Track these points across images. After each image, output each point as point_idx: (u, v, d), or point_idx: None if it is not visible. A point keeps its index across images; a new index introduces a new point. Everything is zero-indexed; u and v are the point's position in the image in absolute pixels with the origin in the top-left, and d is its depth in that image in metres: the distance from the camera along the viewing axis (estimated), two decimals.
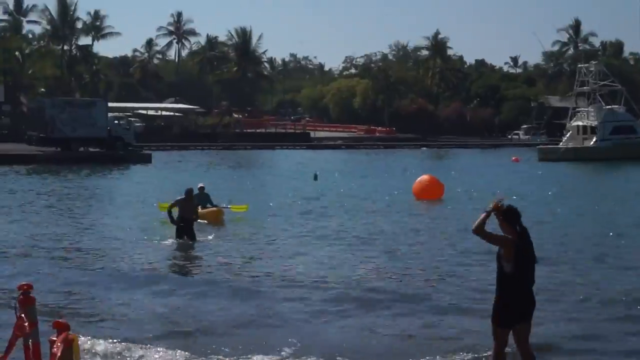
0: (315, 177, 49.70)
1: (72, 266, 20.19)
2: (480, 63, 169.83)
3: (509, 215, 9.94)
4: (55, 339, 6.36)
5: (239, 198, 34.71)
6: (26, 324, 6.90)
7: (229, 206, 30.17)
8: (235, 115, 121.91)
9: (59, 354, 6.10)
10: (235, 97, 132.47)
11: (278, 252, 22.77)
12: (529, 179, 52.16)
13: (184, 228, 23.89)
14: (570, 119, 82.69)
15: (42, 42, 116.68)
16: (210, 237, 24.91)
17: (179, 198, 24.25)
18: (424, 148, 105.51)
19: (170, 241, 23.95)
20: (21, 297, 7.16)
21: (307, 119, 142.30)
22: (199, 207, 27.96)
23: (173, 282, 18.37)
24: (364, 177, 53.54)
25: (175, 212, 24.27)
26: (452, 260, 21.05)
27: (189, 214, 23.97)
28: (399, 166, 66.50)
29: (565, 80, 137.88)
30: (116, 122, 72.83)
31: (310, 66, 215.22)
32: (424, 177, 40.06)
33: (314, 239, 25.21)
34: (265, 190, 43.02)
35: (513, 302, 9.89)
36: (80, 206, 34.98)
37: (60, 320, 6.47)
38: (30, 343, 7.13)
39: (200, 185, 29.51)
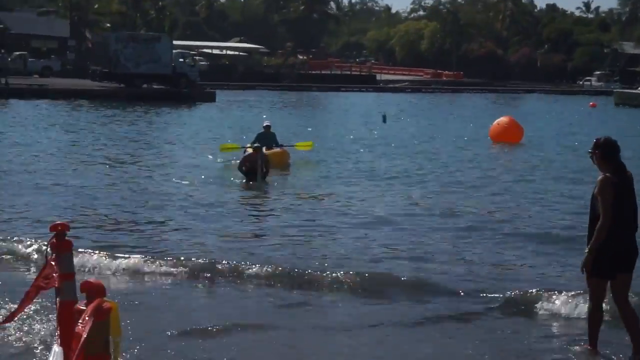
0: (384, 119, 47.75)
1: (131, 209, 18.26)
2: (551, 8, 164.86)
3: (606, 149, 8.65)
4: (83, 308, 4.42)
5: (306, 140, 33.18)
6: (56, 274, 5.28)
7: (293, 144, 28.18)
8: (300, 57, 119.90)
9: (84, 334, 4.14)
10: (300, 38, 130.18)
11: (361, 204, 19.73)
12: (614, 125, 49.53)
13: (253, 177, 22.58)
14: None
15: None
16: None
17: (246, 155, 23.22)
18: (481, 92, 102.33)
19: (238, 181, 22.50)
20: (54, 240, 5.53)
21: (373, 61, 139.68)
22: (264, 148, 26.43)
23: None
24: (433, 120, 51.61)
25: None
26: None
27: (254, 166, 22.44)
28: (469, 110, 64.39)
29: None
30: (181, 59, 71.38)
31: (377, 8, 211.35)
32: (503, 119, 37.72)
33: (395, 185, 22.94)
34: (334, 132, 41.05)
35: (610, 249, 8.47)
36: (142, 143, 33.45)
37: (91, 280, 4.52)
38: (58, 301, 5.39)
39: (266, 123, 27.38)
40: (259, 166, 22.31)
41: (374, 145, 34.28)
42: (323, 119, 51.21)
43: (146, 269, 12.57)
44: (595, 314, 8.85)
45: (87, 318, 4.19)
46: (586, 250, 8.55)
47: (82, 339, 4.10)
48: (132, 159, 27.65)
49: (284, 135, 28.40)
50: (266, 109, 57.36)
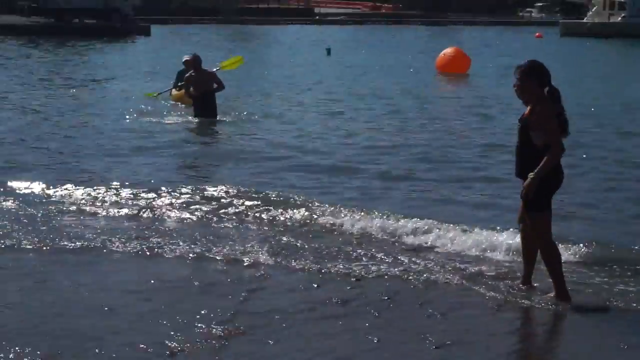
0: (329, 52, 46.12)
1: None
2: None
3: (534, 71, 7.73)
4: None
5: (251, 74, 31.31)
6: None
7: (218, 66, 22.04)
8: None
9: None
10: None
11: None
12: (563, 56, 48.44)
13: (203, 106, 19.57)
14: None
15: None
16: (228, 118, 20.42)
17: (187, 75, 19.71)
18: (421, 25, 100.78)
19: (181, 120, 19.97)
20: None
21: None
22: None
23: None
24: (379, 53, 49.96)
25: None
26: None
27: (203, 86, 19.39)
28: (412, 42, 62.99)
29: None
30: None
31: None
32: (448, 49, 36.38)
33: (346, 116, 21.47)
34: (279, 67, 39.10)
35: (557, 181, 7.79)
36: (75, 80, 31.13)
37: None
38: None
39: (186, 57, 22.15)
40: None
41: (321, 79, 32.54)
42: (265, 53, 49.26)
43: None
44: (555, 248, 7.93)
45: None
46: (531, 175, 7.59)
47: None
48: (60, 97, 25.55)
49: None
50: (204, 44, 55.21)
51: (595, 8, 77.25)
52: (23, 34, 57.47)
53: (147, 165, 14.51)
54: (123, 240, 9.61)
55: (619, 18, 74.78)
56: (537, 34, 71.93)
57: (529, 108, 7.74)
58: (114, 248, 9.34)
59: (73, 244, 9.39)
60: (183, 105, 21.72)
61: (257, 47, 55.32)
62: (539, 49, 53.90)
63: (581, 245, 9.29)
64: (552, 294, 7.89)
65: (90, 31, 61.68)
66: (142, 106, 22.37)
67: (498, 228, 9.89)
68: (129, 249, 9.34)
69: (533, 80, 7.69)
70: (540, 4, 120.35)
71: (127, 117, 20.63)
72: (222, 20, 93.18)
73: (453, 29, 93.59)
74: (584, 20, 77.27)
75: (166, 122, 19.90)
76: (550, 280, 7.92)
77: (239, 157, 15.38)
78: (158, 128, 18.96)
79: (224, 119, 20.15)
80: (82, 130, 18.70)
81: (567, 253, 8.94)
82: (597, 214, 11.47)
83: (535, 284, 8.19)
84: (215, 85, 19.58)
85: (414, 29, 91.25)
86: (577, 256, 9.13)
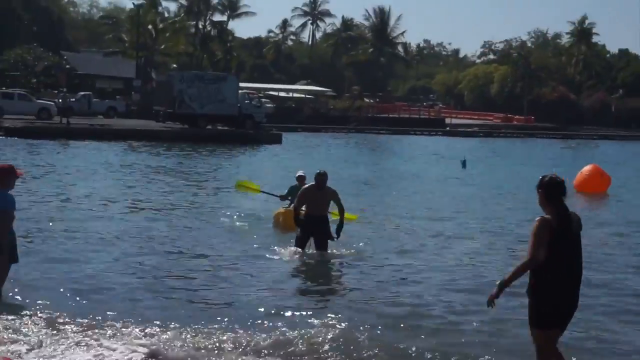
0: (464, 165, 45.03)
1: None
2: (624, 52, 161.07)
3: (549, 189, 8.07)
4: None
5: (383, 189, 30.49)
6: None
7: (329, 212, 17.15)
8: (367, 100, 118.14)
9: None
10: (367, 82, 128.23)
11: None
12: None
13: (312, 231, 16.51)
14: None
15: (176, 18, 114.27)
16: (344, 251, 17.04)
17: (304, 187, 16.85)
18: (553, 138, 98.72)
19: (288, 251, 16.82)
20: None
21: (440, 105, 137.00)
22: (291, 206, 19.07)
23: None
24: (513, 166, 48.72)
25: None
26: None
27: (320, 209, 16.44)
28: (544, 155, 61.53)
29: None
30: (247, 100, 69.60)
31: (444, 53, 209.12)
32: (586, 167, 34.91)
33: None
34: (414, 180, 38.05)
35: (545, 300, 7.84)
36: (197, 191, 30.93)
37: None
38: None
39: (300, 173, 20.20)
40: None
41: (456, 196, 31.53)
42: (398, 164, 48.54)
43: None
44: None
45: None
46: (497, 282, 7.99)
47: None
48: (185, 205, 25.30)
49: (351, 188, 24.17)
50: (335, 152, 55.09)
51: None
52: (157, 139, 58.32)
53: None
54: None
55: None
56: None
57: None
58: None
59: None
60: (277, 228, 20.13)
61: (388, 159, 54.80)
62: None
63: None
64: None
65: (224, 137, 62.28)
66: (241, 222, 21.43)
67: None
68: None
69: (540, 193, 8.08)
70: None
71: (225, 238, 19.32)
72: (353, 129, 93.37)
73: (586, 143, 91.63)
74: None
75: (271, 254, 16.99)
76: None
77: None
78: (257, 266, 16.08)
79: (338, 252, 16.91)
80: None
81: None
82: None
83: None
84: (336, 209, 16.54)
85: (547, 142, 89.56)
86: None
